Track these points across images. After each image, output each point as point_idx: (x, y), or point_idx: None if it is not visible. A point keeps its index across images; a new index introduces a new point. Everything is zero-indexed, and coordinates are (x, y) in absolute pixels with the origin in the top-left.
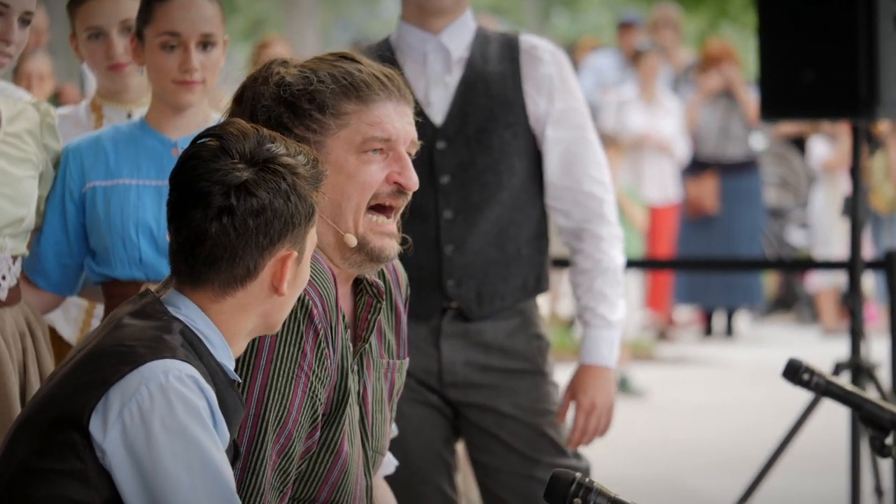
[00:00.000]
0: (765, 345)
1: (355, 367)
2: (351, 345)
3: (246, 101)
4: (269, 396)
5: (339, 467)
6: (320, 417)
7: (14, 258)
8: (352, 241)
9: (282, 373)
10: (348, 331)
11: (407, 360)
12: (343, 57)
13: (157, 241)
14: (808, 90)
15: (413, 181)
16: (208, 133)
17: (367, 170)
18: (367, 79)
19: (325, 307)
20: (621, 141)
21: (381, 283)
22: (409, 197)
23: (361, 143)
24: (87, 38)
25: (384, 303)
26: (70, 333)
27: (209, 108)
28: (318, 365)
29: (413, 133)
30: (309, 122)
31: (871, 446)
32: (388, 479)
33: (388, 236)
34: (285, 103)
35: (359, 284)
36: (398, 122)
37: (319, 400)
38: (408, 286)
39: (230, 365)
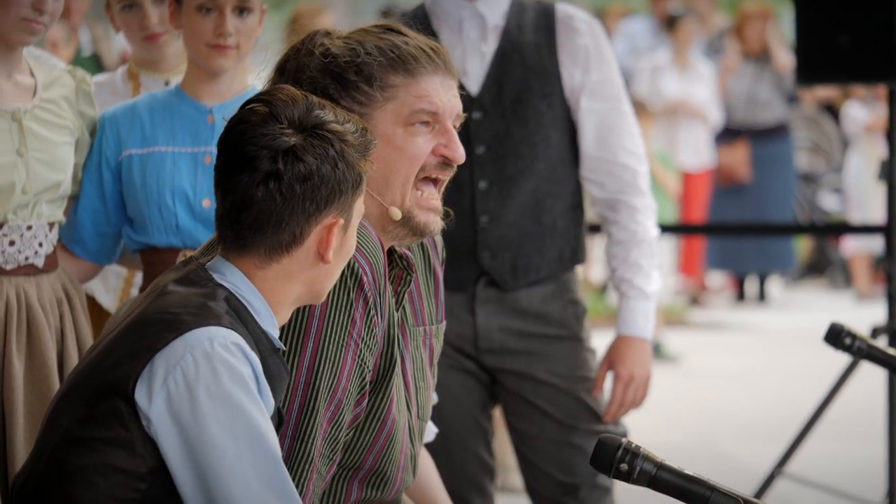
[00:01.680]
0: (798, 310)
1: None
2: (396, 313)
3: (289, 72)
4: (321, 364)
5: (385, 436)
6: (367, 385)
7: (51, 225)
8: (396, 214)
9: (332, 340)
10: (394, 299)
11: (444, 323)
12: (389, 29)
13: (193, 207)
14: (844, 54)
15: (460, 154)
16: (257, 98)
17: (414, 142)
18: (413, 51)
19: (375, 274)
20: (655, 107)
21: (410, 255)
22: (455, 170)
23: (409, 115)
24: (122, 8)
25: (423, 268)
26: (109, 302)
27: (246, 75)
28: (366, 333)
29: (459, 106)
30: (356, 94)
31: None
32: (425, 445)
33: (433, 211)
34: (331, 75)
35: (390, 256)
36: (444, 96)
37: (367, 367)
38: (444, 249)
39: (274, 332)
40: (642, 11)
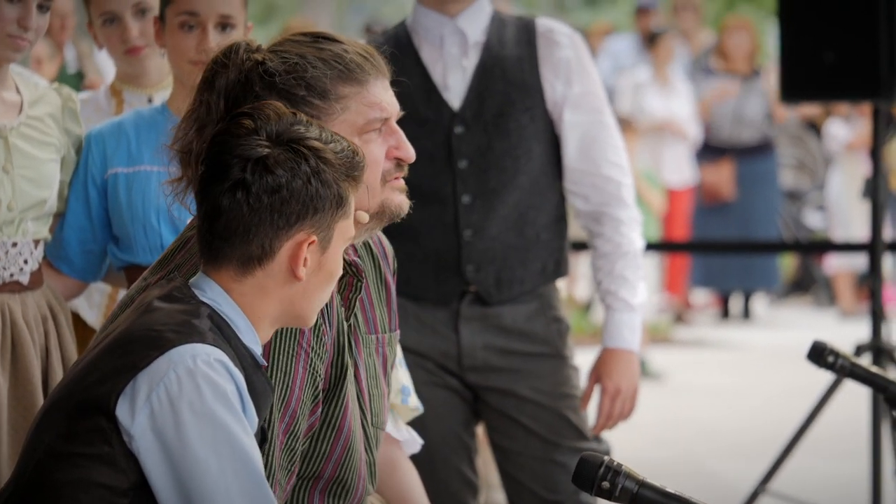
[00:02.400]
0: (782, 327)
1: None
2: (345, 321)
3: (219, 89)
4: (272, 376)
5: (343, 444)
6: (321, 394)
7: (36, 242)
8: (364, 217)
9: (282, 351)
10: (342, 308)
11: (398, 332)
12: (319, 37)
13: (177, 227)
14: (828, 71)
15: (411, 153)
16: (243, 112)
17: (370, 150)
18: (356, 59)
19: None
20: (640, 125)
21: (359, 262)
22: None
23: (364, 125)
24: (102, 23)
25: (374, 277)
26: (93, 318)
27: None
28: (316, 341)
29: (398, 105)
30: (307, 109)
31: (893, 429)
32: (411, 457)
33: (402, 191)
34: (278, 92)
35: None
36: (389, 98)
37: (319, 376)
38: (395, 258)
39: (257, 349)
40: (626, 29)
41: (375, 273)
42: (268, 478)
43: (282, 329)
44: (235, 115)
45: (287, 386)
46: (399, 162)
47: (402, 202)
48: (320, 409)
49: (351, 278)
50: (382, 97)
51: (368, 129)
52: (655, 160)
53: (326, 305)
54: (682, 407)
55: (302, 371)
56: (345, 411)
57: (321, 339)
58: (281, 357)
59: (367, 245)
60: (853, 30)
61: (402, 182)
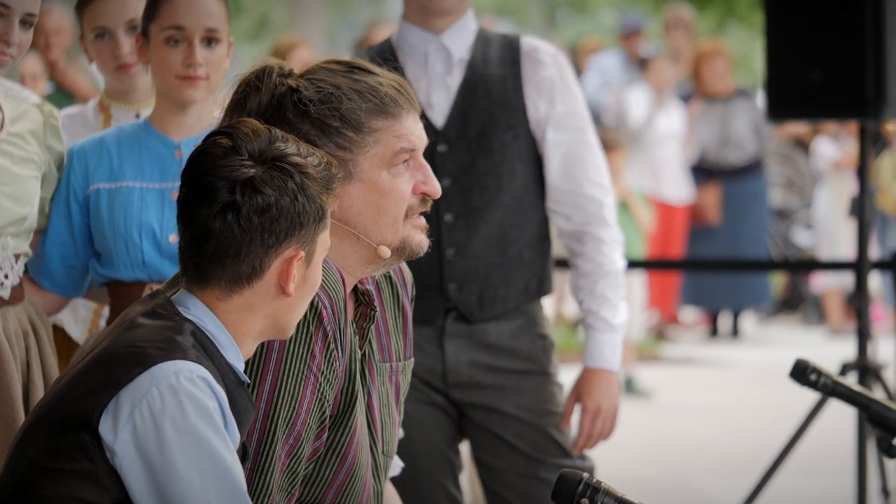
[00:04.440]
0: (771, 345)
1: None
2: (358, 349)
3: (250, 111)
4: (279, 397)
5: (346, 471)
6: (328, 419)
7: (16, 257)
8: (386, 252)
9: (291, 373)
10: (356, 336)
11: (412, 360)
12: (354, 67)
13: (159, 243)
14: (815, 90)
15: (438, 188)
16: (220, 131)
17: (398, 184)
18: (391, 93)
19: (335, 309)
20: (641, 141)
21: (372, 291)
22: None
23: (392, 157)
24: (94, 38)
25: (392, 304)
26: (79, 334)
27: (214, 109)
28: (326, 366)
29: (426, 138)
30: (339, 140)
31: (877, 447)
32: (393, 479)
33: (422, 230)
34: (311, 121)
35: (354, 293)
36: (418, 131)
37: (328, 401)
38: (413, 286)
39: (240, 366)
40: (615, 46)
41: (393, 301)
42: (266, 497)
43: (292, 352)
44: (212, 134)
45: (293, 409)
46: (424, 197)
47: (422, 241)
48: (326, 435)
49: (365, 308)
50: (410, 130)
51: (396, 161)
52: (657, 175)
53: (340, 332)
54: (670, 425)
55: (310, 395)
56: (351, 439)
57: (332, 365)
58: (289, 380)
59: (388, 273)
60: (839, 49)
61: (423, 220)
